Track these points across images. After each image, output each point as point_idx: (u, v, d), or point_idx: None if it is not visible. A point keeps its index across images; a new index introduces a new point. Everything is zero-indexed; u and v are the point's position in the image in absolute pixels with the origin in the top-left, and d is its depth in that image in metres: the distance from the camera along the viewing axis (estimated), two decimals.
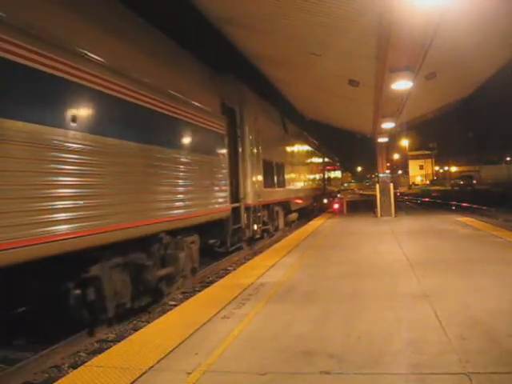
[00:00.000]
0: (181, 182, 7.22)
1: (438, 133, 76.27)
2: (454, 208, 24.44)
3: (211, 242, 9.34)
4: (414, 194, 47.67)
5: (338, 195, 34.82)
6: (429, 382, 2.99)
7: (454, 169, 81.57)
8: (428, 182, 79.90)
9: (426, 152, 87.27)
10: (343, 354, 3.50)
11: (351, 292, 5.52)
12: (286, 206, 15.99)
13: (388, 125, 15.67)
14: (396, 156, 74.80)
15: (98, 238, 5.03)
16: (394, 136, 25.04)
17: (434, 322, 4.16)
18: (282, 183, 15.31)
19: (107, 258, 5.53)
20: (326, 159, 30.63)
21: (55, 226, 4.44)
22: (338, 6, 7.36)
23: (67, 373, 4.27)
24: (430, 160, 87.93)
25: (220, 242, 9.68)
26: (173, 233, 7.03)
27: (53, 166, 4.50)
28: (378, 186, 17.18)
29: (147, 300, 6.61)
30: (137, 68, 6.19)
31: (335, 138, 47.26)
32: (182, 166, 7.28)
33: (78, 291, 5.21)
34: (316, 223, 15.70)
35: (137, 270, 6.17)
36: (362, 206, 24.86)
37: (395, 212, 16.76)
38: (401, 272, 6.57)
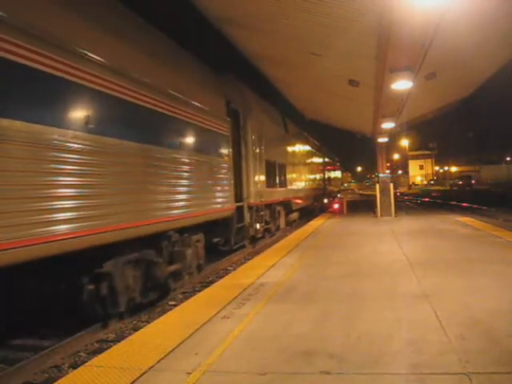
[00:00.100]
0: (189, 181, 7.48)
1: (438, 133, 76.38)
2: (453, 208, 24.43)
3: (215, 240, 9.55)
4: (413, 193, 47.68)
5: (338, 195, 34.85)
6: (429, 381, 2.99)
7: (454, 169, 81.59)
8: (426, 183, 79.85)
9: (426, 152, 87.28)
10: (343, 354, 3.50)
11: (351, 292, 5.52)
12: (287, 205, 16.17)
13: (388, 125, 15.67)
14: (396, 156, 74.83)
15: (112, 235, 5.28)
16: (394, 136, 25.06)
17: (434, 322, 4.16)
18: (283, 183, 15.51)
19: (120, 255, 5.76)
20: (327, 159, 30.69)
21: (87, 221, 4.80)
22: (338, 6, 7.37)
23: (67, 373, 4.27)
24: (429, 160, 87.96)
25: (224, 241, 9.89)
26: (180, 231, 7.28)
27: (65, 166, 4.60)
28: (377, 186, 17.18)
29: (155, 295, 6.82)
30: (148, 73, 6.42)
31: (335, 137, 47.34)
32: (190, 167, 7.56)
33: (91, 286, 5.44)
34: (316, 223, 15.70)
35: (147, 266, 6.43)
36: (362, 205, 24.86)
37: (395, 212, 16.76)
38: (401, 272, 6.57)
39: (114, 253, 5.63)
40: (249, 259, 9.62)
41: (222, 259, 10.36)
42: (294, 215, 17.93)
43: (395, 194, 18.17)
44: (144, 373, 3.32)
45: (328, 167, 31.78)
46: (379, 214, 16.70)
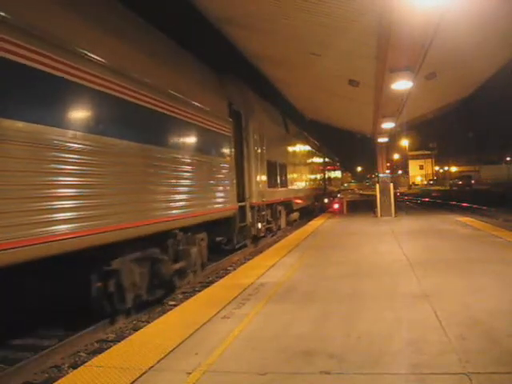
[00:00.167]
0: (193, 181, 7.67)
1: (438, 133, 76.37)
2: (453, 208, 24.42)
3: (218, 239, 9.73)
4: (413, 193, 47.67)
5: (338, 195, 34.87)
6: (429, 381, 2.99)
7: (454, 169, 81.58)
8: (425, 183, 79.78)
9: (426, 152, 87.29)
10: (343, 354, 3.50)
11: (351, 292, 5.52)
12: (288, 205, 16.29)
13: (388, 125, 15.67)
14: (396, 156, 74.81)
15: (124, 232, 5.50)
16: (394, 136, 25.05)
17: (434, 322, 4.16)
18: (284, 183, 15.64)
19: (128, 252, 5.92)
20: (327, 159, 30.73)
21: (90, 221, 4.92)
22: (338, 6, 7.37)
23: (67, 373, 4.27)
24: (430, 160, 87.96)
25: (226, 240, 10.06)
26: (185, 230, 7.45)
27: (67, 166, 4.63)
28: (377, 186, 17.18)
29: (161, 293, 6.96)
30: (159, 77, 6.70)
31: (335, 137, 47.37)
32: (193, 167, 7.74)
33: (99, 284, 5.57)
34: (316, 223, 15.70)
35: (153, 263, 6.58)
36: (362, 205, 24.85)
37: (395, 212, 16.76)
38: (401, 272, 6.57)
39: (122, 251, 5.79)
40: (249, 259, 9.62)
41: (222, 259, 10.37)
42: (295, 215, 18.00)
43: (395, 193, 18.17)
44: (144, 373, 3.32)
45: (328, 167, 31.82)
46: (379, 214, 16.69)
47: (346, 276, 6.46)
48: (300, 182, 19.39)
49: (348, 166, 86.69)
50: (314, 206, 23.26)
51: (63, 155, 4.60)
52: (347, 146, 69.80)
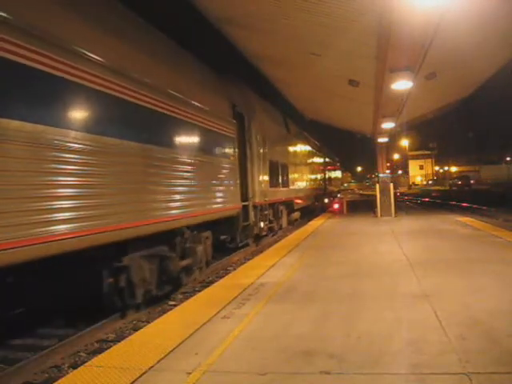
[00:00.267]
0: (201, 181, 7.97)
1: (438, 133, 76.34)
2: (453, 208, 24.43)
3: (222, 237, 9.96)
4: (413, 193, 47.67)
5: (338, 195, 34.89)
6: (429, 381, 2.99)
7: (454, 169, 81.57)
8: (425, 183, 79.73)
9: (426, 152, 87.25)
10: (343, 354, 3.50)
11: (351, 292, 5.52)
12: (289, 205, 16.47)
13: (388, 125, 15.67)
14: (396, 156, 74.80)
15: (135, 230, 5.73)
16: (394, 136, 25.04)
17: (434, 322, 4.16)
18: (285, 183, 15.85)
19: (137, 249, 6.14)
20: (327, 159, 30.78)
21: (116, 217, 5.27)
22: (337, 6, 7.37)
23: (67, 373, 4.27)
24: (430, 160, 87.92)
25: (230, 238, 10.28)
26: (191, 228, 7.72)
27: (69, 166, 4.69)
28: (377, 186, 17.18)
29: (169, 288, 7.20)
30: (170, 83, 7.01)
31: (335, 138, 47.34)
32: (202, 168, 8.08)
33: (111, 279, 5.77)
34: (316, 223, 15.70)
35: (162, 260, 6.81)
36: (362, 205, 24.85)
37: (395, 212, 16.76)
38: (401, 272, 6.57)
39: (132, 248, 6.02)
40: (249, 259, 9.63)
41: (226, 257, 10.46)
42: (296, 214, 18.16)
43: (395, 194, 18.17)
44: (144, 373, 3.32)
45: (328, 167, 31.86)
46: (379, 214, 16.69)
47: (346, 276, 6.46)
48: (301, 181, 19.52)
49: (348, 165, 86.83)
50: (314, 205, 23.37)
51: (66, 155, 4.60)
52: (347, 146, 69.80)
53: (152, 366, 3.43)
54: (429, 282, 5.77)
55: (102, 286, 5.68)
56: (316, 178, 25.05)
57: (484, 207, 22.27)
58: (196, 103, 7.89)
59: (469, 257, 7.52)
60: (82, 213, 4.77)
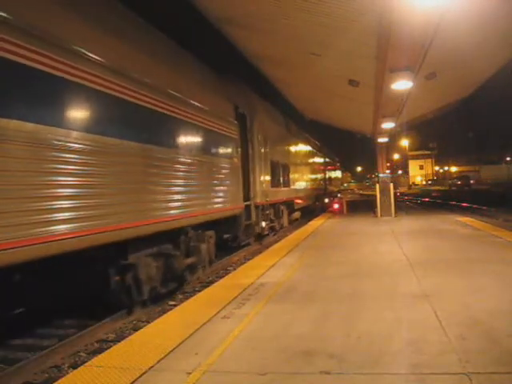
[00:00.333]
0: (205, 182, 8.25)
1: (438, 133, 76.35)
2: (453, 208, 24.42)
3: (225, 236, 10.15)
4: (413, 193, 47.66)
5: (339, 195, 34.91)
6: (429, 381, 2.99)
7: (454, 169, 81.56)
8: (424, 183, 79.67)
9: (426, 152, 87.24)
10: (343, 354, 3.50)
11: (351, 292, 5.52)
12: (290, 205, 16.66)
13: (388, 125, 15.67)
14: (396, 156, 74.79)
15: (144, 228, 5.93)
16: (394, 136, 25.04)
17: (434, 322, 4.16)
18: (286, 183, 16.04)
19: (143, 248, 6.32)
20: (327, 159, 30.83)
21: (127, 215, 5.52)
22: (337, 6, 7.36)
23: (67, 373, 4.27)
24: (430, 160, 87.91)
25: (232, 237, 10.50)
26: (195, 227, 7.93)
27: (72, 167, 4.74)
28: (377, 185, 17.18)
29: (174, 285, 7.41)
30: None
31: (335, 138, 47.34)
32: (207, 169, 8.37)
33: (118, 277, 5.94)
34: (316, 223, 15.70)
35: (167, 258, 7.01)
36: (362, 206, 24.85)
37: (395, 212, 16.76)
38: (401, 272, 6.57)
39: (139, 246, 6.20)
40: (249, 259, 9.63)
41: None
42: (297, 214, 18.34)
43: (395, 194, 18.17)
44: (144, 373, 3.32)
45: (328, 167, 31.92)
46: (379, 214, 16.69)
47: (345, 276, 6.46)
48: (301, 182, 19.67)
49: (348, 165, 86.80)
50: (314, 205, 23.49)
51: (66, 155, 4.60)
52: (347, 146, 69.78)
53: (152, 366, 3.43)
54: (429, 282, 5.77)
55: (110, 284, 5.84)
56: (316, 178, 25.11)
57: (484, 207, 22.27)
58: (199, 104, 8.05)
59: (469, 257, 7.52)
60: (82, 213, 4.77)
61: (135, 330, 5.48)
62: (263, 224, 12.43)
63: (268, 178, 13.05)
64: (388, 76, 9.25)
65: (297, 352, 3.60)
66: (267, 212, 12.92)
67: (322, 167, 28.50)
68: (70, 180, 4.67)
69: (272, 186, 13.45)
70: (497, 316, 4.23)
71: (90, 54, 5.08)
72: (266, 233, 13.21)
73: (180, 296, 7.53)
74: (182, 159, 7.29)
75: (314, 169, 24.61)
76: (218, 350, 3.72)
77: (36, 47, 4.27)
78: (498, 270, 6.33)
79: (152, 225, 6.13)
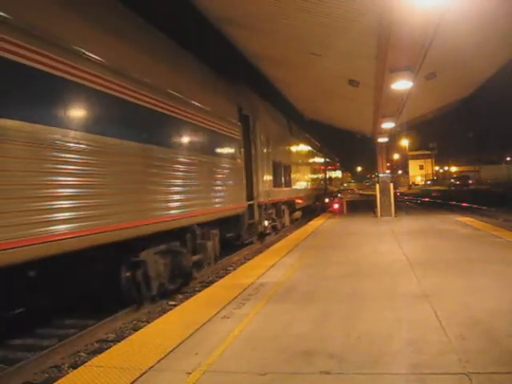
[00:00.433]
0: (211, 181, 8.60)
1: (438, 133, 76.36)
2: (453, 208, 24.42)
3: (229, 235, 10.34)
4: (413, 193, 47.66)
5: (339, 195, 34.94)
6: (429, 381, 2.99)
7: (454, 169, 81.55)
8: (422, 183, 79.57)
9: (426, 152, 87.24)
10: (343, 354, 3.50)
11: (351, 292, 5.52)
12: (291, 204, 16.87)
13: (388, 125, 15.66)
14: (396, 156, 74.79)
15: (154, 226, 6.20)
16: (394, 136, 25.03)
17: (434, 322, 4.16)
18: (288, 183, 16.27)
19: (153, 245, 6.59)
20: (327, 159, 30.91)
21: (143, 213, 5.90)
22: (337, 6, 7.36)
23: (67, 373, 4.27)
24: (430, 160, 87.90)
25: (236, 236, 10.72)
26: (201, 226, 8.19)
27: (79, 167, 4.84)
28: (377, 185, 17.18)
29: (181, 281, 7.65)
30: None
31: (335, 138, 47.34)
32: (213, 169, 8.70)
33: (128, 273, 6.18)
34: (316, 223, 15.70)
35: (175, 256, 7.27)
36: (362, 206, 24.85)
37: (395, 212, 16.76)
38: (401, 272, 6.57)
39: (148, 243, 6.43)
40: (249, 259, 9.63)
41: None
42: (298, 214, 18.49)
43: (395, 194, 18.17)
44: (144, 373, 3.32)
45: (329, 167, 31.97)
46: (379, 214, 16.69)
47: (345, 276, 6.46)
48: (302, 182, 19.86)
49: (348, 165, 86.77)
50: (315, 205, 23.62)
51: (67, 155, 4.60)
52: (347, 146, 69.82)
53: (152, 366, 3.43)
54: (429, 282, 5.77)
55: (121, 280, 6.06)
56: (317, 178, 25.20)
57: (484, 207, 22.27)
58: (204, 107, 8.36)
59: (469, 257, 7.52)
60: (81, 212, 4.78)
61: (135, 330, 5.48)
62: (266, 223, 12.68)
63: (270, 177, 13.27)
64: (388, 76, 9.25)
65: (297, 352, 3.60)
66: (269, 211, 13.19)
67: (323, 167, 28.56)
68: (71, 180, 4.67)
69: (274, 186, 13.68)
70: (497, 316, 4.23)
71: (90, 54, 5.08)
72: (268, 232, 13.44)
73: (180, 296, 7.54)
74: (189, 160, 7.55)
75: (315, 169, 24.70)
76: (217, 350, 3.72)
77: (36, 47, 4.27)
78: (498, 269, 6.33)
79: (161, 223, 6.43)
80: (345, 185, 64.06)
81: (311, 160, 23.34)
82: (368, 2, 6.89)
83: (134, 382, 3.19)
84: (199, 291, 6.74)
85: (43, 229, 4.25)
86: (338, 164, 42.73)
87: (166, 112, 6.79)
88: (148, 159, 6.25)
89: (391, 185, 16.95)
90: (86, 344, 5.38)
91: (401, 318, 4.35)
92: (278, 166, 14.64)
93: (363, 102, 13.92)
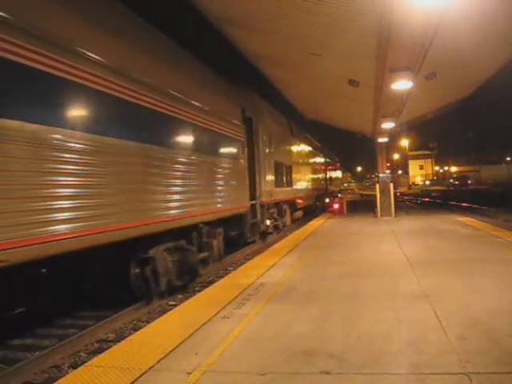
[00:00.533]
0: (216, 181, 8.87)
1: (438, 133, 76.37)
2: (453, 208, 24.42)
3: (232, 234, 10.56)
4: (414, 193, 47.66)
5: (339, 195, 34.97)
6: (429, 381, 2.99)
7: (454, 169, 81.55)
8: (422, 183, 79.52)
9: (426, 152, 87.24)
10: (343, 354, 3.50)
11: (351, 292, 5.52)
12: (292, 204, 17.00)
13: (388, 125, 15.66)
14: (396, 156, 74.80)
15: (163, 225, 6.48)
16: (394, 136, 25.03)
17: (434, 322, 4.16)
18: (289, 183, 16.45)
19: (161, 243, 6.82)
20: (328, 160, 30.98)
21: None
22: (337, 6, 7.36)
23: (67, 373, 4.27)
24: (430, 160, 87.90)
25: (239, 235, 10.96)
26: (207, 224, 8.47)
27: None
28: (377, 185, 17.18)
29: (188, 278, 7.86)
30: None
31: (336, 138, 47.33)
32: (219, 169, 8.99)
33: (138, 270, 6.42)
34: (316, 223, 15.70)
35: (182, 253, 7.51)
36: (362, 206, 24.86)
37: (395, 212, 16.75)
38: (401, 272, 6.57)
39: (157, 241, 6.67)
40: (249, 259, 9.63)
41: (235, 252, 10.90)
42: (299, 213, 18.64)
43: (395, 193, 18.17)
44: (144, 373, 3.32)
45: (329, 167, 32.02)
46: (379, 214, 16.69)
47: (345, 276, 6.46)
48: (303, 182, 20.00)
49: (348, 165, 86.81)
50: (315, 205, 23.68)
51: (68, 155, 4.60)
52: (347, 146, 69.86)
53: (152, 366, 3.43)
54: (429, 282, 5.77)
55: (130, 275, 6.27)
56: (317, 178, 25.28)
57: (484, 207, 22.27)
58: (213, 111, 8.71)
59: (469, 257, 7.52)
60: (81, 212, 4.79)
61: (135, 330, 5.48)
62: (268, 222, 12.92)
63: (272, 178, 13.48)
64: (388, 76, 9.24)
65: (297, 352, 3.61)
66: (271, 211, 13.42)
67: (323, 167, 28.61)
68: (71, 180, 4.68)
69: (276, 186, 13.87)
70: (497, 316, 4.23)
71: (90, 54, 5.08)
72: (270, 231, 13.63)
73: (180, 296, 7.54)
74: (196, 160, 7.84)
75: (315, 169, 24.79)
76: (217, 349, 3.72)
77: (36, 47, 4.27)
78: (498, 269, 6.33)
79: (172, 221, 6.74)
80: (345, 185, 64.07)
81: (312, 160, 23.43)
82: (368, 2, 6.89)
83: (133, 382, 3.19)
84: (199, 291, 6.74)
85: (44, 228, 4.25)
86: (338, 164, 42.74)
87: (176, 115, 7.11)
88: (160, 161, 6.61)
89: (391, 185, 16.94)
90: (86, 344, 5.38)
91: (401, 318, 4.35)
92: (280, 166, 14.81)
93: (363, 101, 13.92)
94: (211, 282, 7.92)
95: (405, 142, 70.54)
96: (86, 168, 4.89)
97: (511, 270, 6.34)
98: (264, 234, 13.21)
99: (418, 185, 77.43)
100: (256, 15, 8.81)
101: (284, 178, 15.49)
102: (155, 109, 6.45)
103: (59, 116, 4.62)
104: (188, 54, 8.55)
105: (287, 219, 16.14)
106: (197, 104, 7.96)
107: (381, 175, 17.75)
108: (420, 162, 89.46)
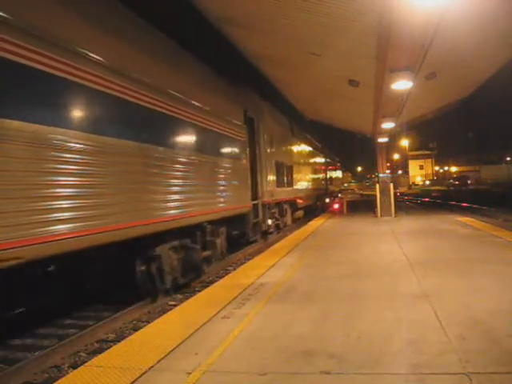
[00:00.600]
0: (220, 182, 9.03)
1: (438, 133, 76.40)
2: (453, 208, 24.42)
3: (235, 233, 10.68)
4: (414, 193, 47.66)
5: (339, 195, 35.00)
6: (429, 381, 2.99)
7: (454, 169, 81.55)
8: (422, 183, 79.48)
9: (426, 152, 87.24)
10: (343, 354, 3.50)
11: (351, 292, 5.52)
12: (293, 204, 17.11)
13: (388, 125, 15.66)
14: (396, 156, 74.81)
15: (163, 225, 6.54)
16: (394, 136, 25.03)
17: (434, 322, 4.16)
18: (290, 183, 16.60)
19: (167, 241, 6.98)
20: (328, 160, 31.03)
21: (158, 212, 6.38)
22: (338, 6, 7.36)
23: (67, 373, 4.27)
24: (430, 160, 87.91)
25: (241, 234, 11.10)
26: (211, 223, 8.62)
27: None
28: (377, 185, 17.17)
29: (192, 276, 8.04)
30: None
31: (336, 138, 47.36)
32: (222, 170, 9.14)
33: (143, 267, 6.56)
34: (316, 223, 15.70)
35: (187, 251, 7.67)
36: (362, 206, 24.86)
37: (395, 212, 16.75)
38: (401, 272, 6.57)
39: (163, 239, 6.82)
40: (249, 259, 9.63)
41: (238, 251, 11.04)
42: (299, 213, 18.76)
43: (395, 193, 18.16)
44: (144, 373, 3.32)
45: (329, 167, 32.08)
46: (379, 214, 16.69)
47: (345, 276, 6.46)
48: (304, 182, 20.12)
49: (348, 166, 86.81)
50: (316, 205, 23.77)
51: (68, 155, 4.60)
52: (347, 146, 69.91)
53: (152, 366, 3.43)
54: (429, 282, 5.77)
55: (136, 273, 6.41)
56: (318, 178, 25.35)
57: (484, 207, 22.27)
58: (214, 111, 8.82)
59: (469, 257, 7.52)
60: (81, 212, 4.79)
61: (135, 330, 5.48)
62: (269, 222, 13.10)
63: (273, 178, 13.60)
64: (388, 76, 9.24)
65: (297, 352, 3.61)
66: (273, 211, 13.57)
67: (323, 167, 28.67)
68: (71, 180, 4.68)
69: (277, 186, 13.99)
70: (497, 316, 4.23)
71: (91, 54, 5.08)
72: (272, 230, 13.76)
73: (180, 296, 7.54)
74: (201, 161, 8.01)
75: (316, 169, 24.88)
76: (217, 349, 3.72)
77: (36, 47, 4.27)
78: (498, 269, 6.33)
79: (172, 221, 6.81)
80: (345, 185, 64.08)
81: (312, 160, 23.52)
82: (368, 2, 6.89)
83: (133, 382, 3.19)
84: (199, 291, 6.73)
85: (44, 228, 4.25)
86: (339, 164, 42.78)
87: (176, 115, 7.17)
88: (160, 161, 6.69)
89: (391, 185, 16.94)
90: (86, 344, 5.38)
91: (401, 318, 4.35)
92: (281, 166, 14.92)
93: (363, 101, 13.92)
94: (211, 282, 7.92)
95: (405, 142, 70.56)
96: (86, 168, 4.90)
97: (511, 269, 6.34)
98: (265, 234, 13.32)
99: (417, 185, 77.43)
100: (256, 15, 8.81)
101: (285, 178, 15.58)
102: (155, 109, 6.48)
103: (59, 116, 4.62)
104: (188, 54, 8.57)
105: (288, 219, 16.25)
106: (197, 104, 8.00)
107: (381, 175, 17.75)
108: (420, 162, 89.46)
